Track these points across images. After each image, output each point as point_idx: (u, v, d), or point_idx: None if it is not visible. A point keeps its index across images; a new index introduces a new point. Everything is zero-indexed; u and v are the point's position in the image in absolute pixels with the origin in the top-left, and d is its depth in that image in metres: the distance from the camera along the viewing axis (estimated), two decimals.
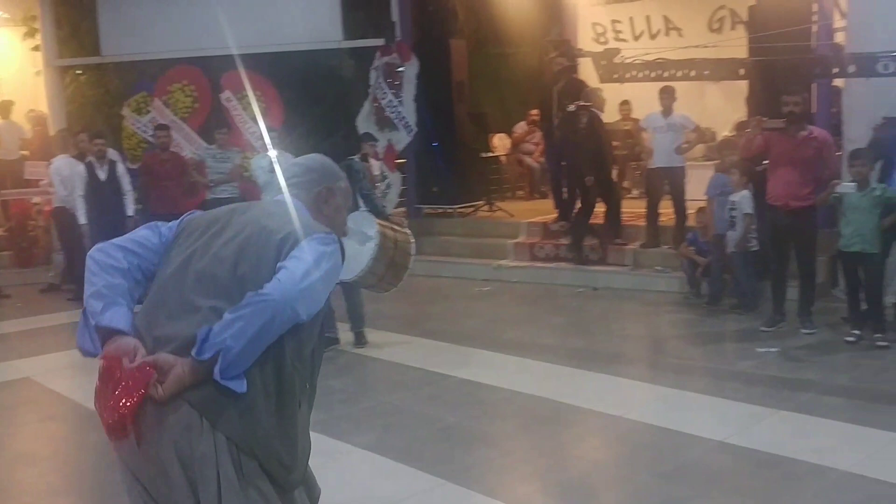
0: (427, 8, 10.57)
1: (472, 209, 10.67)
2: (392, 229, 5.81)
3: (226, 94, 10.05)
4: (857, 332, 6.13)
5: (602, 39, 12.91)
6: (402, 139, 10.15)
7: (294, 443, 2.23)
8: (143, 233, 2.37)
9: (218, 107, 10.13)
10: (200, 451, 2.07)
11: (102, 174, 8.34)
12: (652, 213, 8.70)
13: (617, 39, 12.76)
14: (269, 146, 9.25)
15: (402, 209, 9.94)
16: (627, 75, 7.06)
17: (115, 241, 2.33)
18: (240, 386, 2.05)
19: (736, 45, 8.89)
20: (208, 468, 2.07)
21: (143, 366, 2.05)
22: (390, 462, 4.39)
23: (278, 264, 2.14)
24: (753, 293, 7.15)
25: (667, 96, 8.27)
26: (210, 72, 10.10)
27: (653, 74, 7.09)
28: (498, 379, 5.66)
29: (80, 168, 8.31)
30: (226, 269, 2.18)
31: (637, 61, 7.08)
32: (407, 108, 10.09)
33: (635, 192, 11.94)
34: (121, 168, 8.60)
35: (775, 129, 6.32)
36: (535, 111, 11.38)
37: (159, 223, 2.41)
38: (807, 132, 6.27)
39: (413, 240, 5.88)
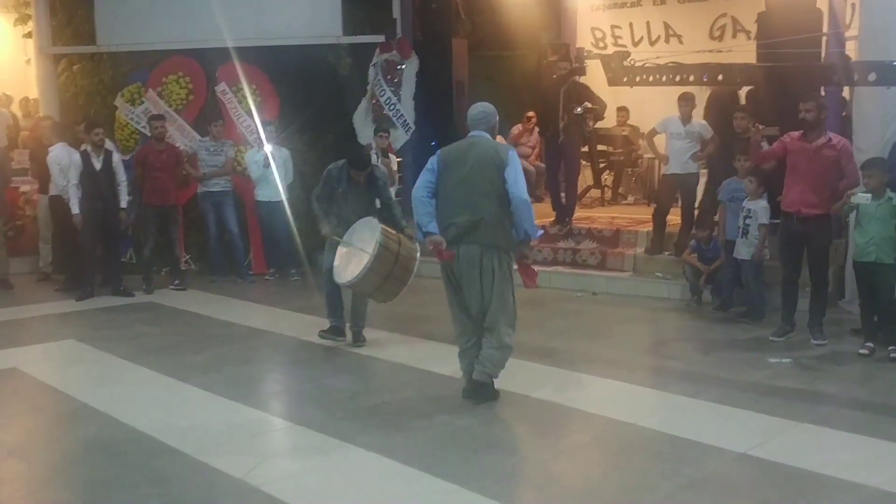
0: (429, 6, 10.39)
1: None
2: (398, 243, 5.62)
3: (221, 87, 9.79)
4: (870, 344, 6.02)
5: (601, 45, 12.78)
6: (400, 137, 9.95)
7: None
8: (427, 177, 4.94)
9: (213, 99, 9.87)
10: (489, 261, 4.93)
11: (98, 164, 8.11)
12: (660, 220, 8.48)
13: (616, 45, 12.61)
14: (264, 140, 9.05)
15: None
16: (638, 79, 6.87)
17: (421, 184, 4.92)
18: (536, 233, 5.01)
19: (739, 52, 8.77)
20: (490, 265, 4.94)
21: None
22: (399, 465, 4.21)
23: (505, 173, 4.79)
24: (762, 302, 7.04)
25: (686, 103, 8.01)
26: (206, 64, 9.83)
27: (664, 78, 6.86)
28: (505, 383, 5.47)
29: (76, 157, 8.07)
30: (487, 181, 4.84)
31: (648, 65, 6.90)
32: (405, 107, 9.90)
33: (630, 199, 11.87)
34: (116, 158, 8.36)
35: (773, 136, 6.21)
36: (531, 113, 11.24)
37: (430, 166, 4.96)
38: (825, 139, 6.15)
39: (418, 257, 5.69)
